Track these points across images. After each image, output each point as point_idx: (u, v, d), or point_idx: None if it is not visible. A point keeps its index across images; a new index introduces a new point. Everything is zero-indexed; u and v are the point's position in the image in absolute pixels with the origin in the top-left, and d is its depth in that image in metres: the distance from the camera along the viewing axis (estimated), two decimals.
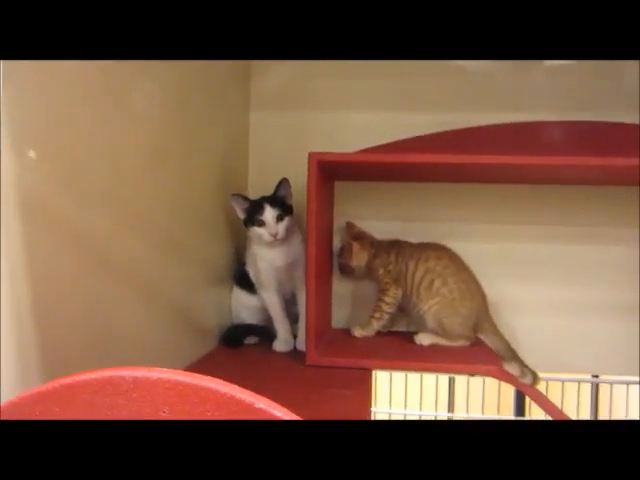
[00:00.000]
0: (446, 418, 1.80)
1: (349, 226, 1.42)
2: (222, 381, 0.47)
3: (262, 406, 0.45)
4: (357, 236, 1.40)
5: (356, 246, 1.37)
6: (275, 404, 0.46)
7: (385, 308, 1.32)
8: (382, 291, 1.33)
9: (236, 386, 0.46)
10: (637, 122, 1.30)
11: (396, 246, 1.36)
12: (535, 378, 1.16)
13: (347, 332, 1.37)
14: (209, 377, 0.47)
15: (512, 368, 1.14)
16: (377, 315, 1.32)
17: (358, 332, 1.33)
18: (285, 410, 0.45)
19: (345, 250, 1.39)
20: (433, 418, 1.78)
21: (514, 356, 1.21)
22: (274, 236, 1.21)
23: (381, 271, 1.34)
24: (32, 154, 0.62)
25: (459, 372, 1.27)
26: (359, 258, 1.38)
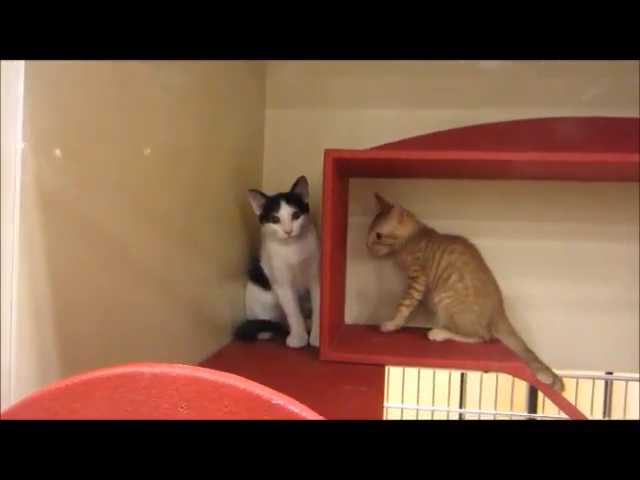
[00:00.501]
0: (458, 414, 1.80)
1: (379, 196, 1.38)
2: (240, 377, 0.47)
3: (280, 402, 0.45)
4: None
5: (408, 213, 1.33)
6: (293, 400, 0.46)
7: (416, 295, 1.31)
8: (412, 279, 1.32)
9: (255, 382, 0.47)
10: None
11: (427, 234, 1.34)
12: (562, 385, 1.15)
13: (359, 328, 1.37)
14: (227, 373, 0.47)
15: (545, 377, 1.13)
16: (407, 302, 1.32)
17: (391, 325, 1.32)
18: (303, 407, 0.45)
19: (390, 217, 1.33)
20: (445, 413, 1.78)
21: (534, 358, 1.20)
22: (288, 233, 1.22)
23: (409, 258, 1.32)
24: (52, 152, 0.63)
25: (473, 369, 1.26)
26: (407, 227, 1.34)
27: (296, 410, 0.45)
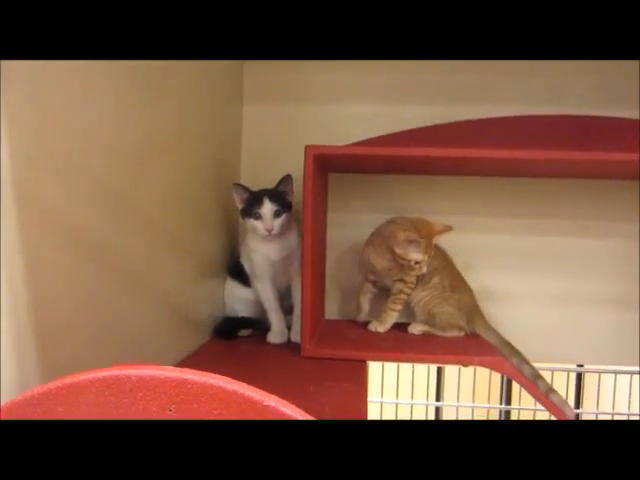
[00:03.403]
0: (434, 407, 1.82)
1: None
2: (230, 379, 0.46)
3: (271, 404, 0.45)
4: None
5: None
6: (284, 402, 0.45)
7: (404, 298, 1.31)
8: (402, 282, 1.31)
9: (244, 384, 0.46)
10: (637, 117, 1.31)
11: None
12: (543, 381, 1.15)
13: (339, 323, 1.38)
14: (216, 375, 0.46)
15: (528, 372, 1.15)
16: (398, 307, 1.32)
17: (381, 328, 1.32)
18: (294, 408, 0.45)
19: (422, 247, 1.23)
20: (424, 407, 1.80)
21: (514, 352, 1.21)
22: (269, 231, 1.20)
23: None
24: (29, 149, 0.61)
25: (454, 363, 1.27)
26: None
27: (288, 412, 0.45)
